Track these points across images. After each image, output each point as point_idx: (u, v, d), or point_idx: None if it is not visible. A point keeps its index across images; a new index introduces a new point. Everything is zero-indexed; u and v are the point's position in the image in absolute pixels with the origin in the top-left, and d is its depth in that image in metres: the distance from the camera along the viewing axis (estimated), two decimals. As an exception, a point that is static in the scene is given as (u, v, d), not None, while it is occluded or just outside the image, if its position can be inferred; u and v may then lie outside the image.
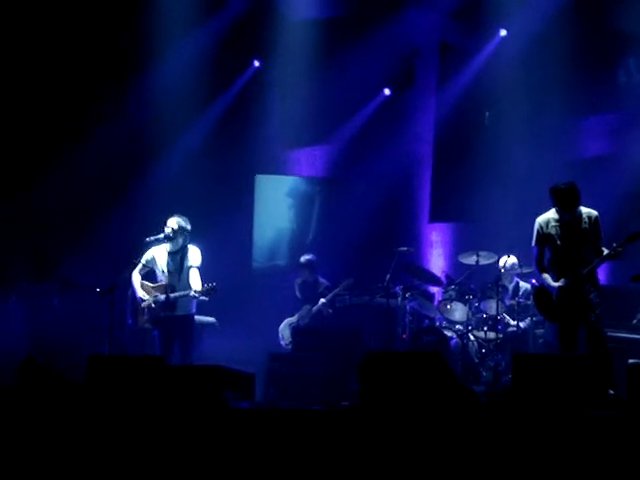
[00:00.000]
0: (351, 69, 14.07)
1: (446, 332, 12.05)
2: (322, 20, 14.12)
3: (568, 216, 9.16)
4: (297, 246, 14.36)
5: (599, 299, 9.10)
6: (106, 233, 12.89)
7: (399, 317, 12.45)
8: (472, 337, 12.05)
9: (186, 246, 10.51)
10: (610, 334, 10.29)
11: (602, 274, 10.52)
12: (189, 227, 10.52)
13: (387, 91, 14.62)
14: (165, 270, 10.50)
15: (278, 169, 14.80)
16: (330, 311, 12.53)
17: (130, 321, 10.70)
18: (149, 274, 10.64)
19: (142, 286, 10.57)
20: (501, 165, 13.76)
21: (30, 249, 12.97)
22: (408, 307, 12.44)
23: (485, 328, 11.94)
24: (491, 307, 11.96)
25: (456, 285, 12.41)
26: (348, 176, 14.54)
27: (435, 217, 14.71)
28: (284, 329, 12.59)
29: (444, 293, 12.69)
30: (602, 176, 12.61)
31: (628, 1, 13.04)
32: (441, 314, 12.48)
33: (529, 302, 11.72)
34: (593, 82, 13.33)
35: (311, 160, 14.89)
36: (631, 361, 8.07)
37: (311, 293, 12.67)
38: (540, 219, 9.33)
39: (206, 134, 14.12)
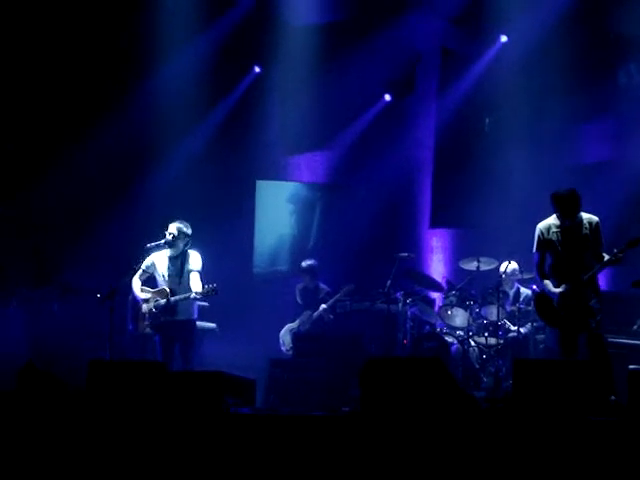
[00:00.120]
0: (352, 75, 14.07)
1: (447, 338, 12.05)
2: (323, 26, 14.13)
3: (569, 222, 9.16)
4: (298, 252, 14.36)
5: (600, 305, 9.10)
6: (107, 237, 12.89)
7: (400, 323, 12.45)
8: (473, 343, 12.04)
9: (186, 251, 10.51)
10: (611, 340, 10.30)
11: (603, 280, 10.52)
12: (190, 232, 10.53)
13: (388, 97, 14.63)
14: (165, 275, 10.50)
15: (279, 175, 14.80)
16: (331, 317, 12.53)
17: (131, 327, 10.71)
18: (149, 280, 10.64)
19: (142, 291, 10.56)
20: (501, 171, 13.77)
21: (30, 252, 12.97)
22: (409, 313, 12.45)
23: (486, 334, 11.94)
24: (492, 313, 11.96)
25: (457, 291, 12.41)
26: (349, 182, 14.55)
27: (436, 223, 14.71)
28: (285, 335, 12.59)
29: (445, 299, 12.69)
30: (602, 182, 12.62)
31: (628, 5, 13.05)
32: (442, 320, 12.48)
33: (530, 308, 11.72)
34: (593, 88, 13.34)
35: (312, 166, 14.89)
36: (632, 367, 8.08)
37: (312, 299, 12.67)
38: (541, 225, 9.33)
39: (207, 139, 14.13)
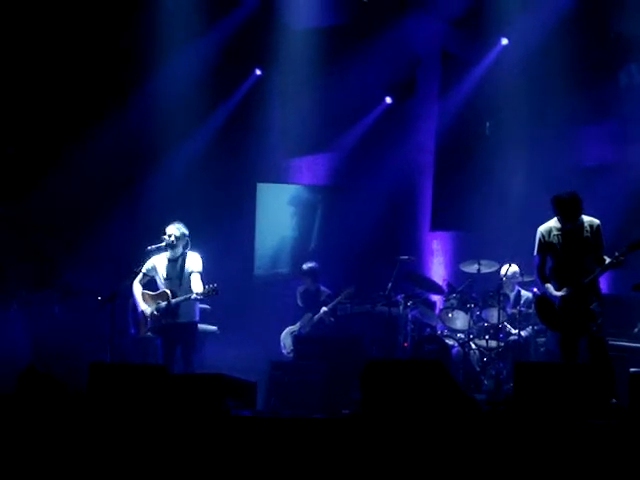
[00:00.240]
0: (352, 77, 14.08)
1: (447, 340, 12.05)
2: (323, 29, 14.13)
3: (570, 225, 9.16)
4: (299, 254, 14.37)
5: (601, 308, 9.10)
6: (107, 240, 12.88)
7: (400, 325, 12.45)
8: (473, 345, 12.04)
9: (186, 253, 10.51)
10: (611, 343, 10.27)
11: (604, 283, 10.52)
12: (187, 232, 10.54)
13: (388, 99, 14.63)
14: (166, 277, 10.51)
15: (280, 177, 14.81)
16: (332, 319, 12.53)
17: (133, 331, 10.70)
18: (150, 283, 10.64)
19: (143, 296, 10.56)
20: (502, 174, 13.78)
21: (31, 254, 12.97)
22: (410, 315, 12.45)
23: (486, 337, 11.94)
24: (492, 316, 11.96)
25: (457, 293, 12.41)
26: (350, 184, 14.55)
27: (436, 225, 14.71)
28: (286, 337, 12.60)
29: (445, 301, 12.69)
30: (603, 184, 12.62)
31: (628, 5, 13.06)
32: (442, 322, 12.48)
33: (530, 311, 11.72)
34: (594, 90, 13.35)
35: (313, 168, 14.90)
36: (632, 370, 8.07)
37: (313, 301, 12.67)
38: (542, 228, 9.33)
39: (208, 141, 14.13)
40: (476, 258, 12.39)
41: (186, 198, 13.30)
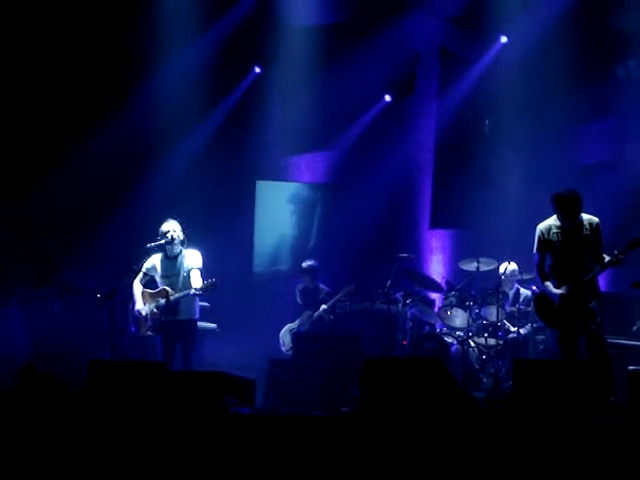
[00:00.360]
0: (352, 75, 14.07)
1: (446, 338, 12.06)
2: (323, 26, 14.13)
3: (570, 223, 9.15)
4: (299, 252, 14.37)
5: (600, 307, 9.10)
6: (107, 237, 12.88)
7: (400, 323, 12.45)
8: (472, 343, 12.05)
9: (184, 249, 10.52)
10: (610, 341, 10.29)
11: (603, 281, 10.52)
12: (180, 228, 10.56)
13: (388, 97, 14.63)
14: (165, 275, 10.51)
15: (279, 175, 14.80)
16: (331, 317, 12.53)
17: (133, 329, 10.70)
18: (150, 282, 10.64)
19: (143, 294, 10.56)
20: (501, 172, 13.78)
21: (30, 252, 12.97)
22: (409, 313, 12.45)
23: (485, 334, 11.95)
24: (491, 313, 11.97)
25: (456, 291, 12.42)
26: (349, 182, 14.54)
27: (436, 223, 14.71)
28: (285, 335, 12.60)
29: (444, 299, 12.69)
30: (603, 182, 12.64)
31: (628, 2, 13.06)
32: (441, 320, 12.49)
33: (529, 309, 11.74)
34: (593, 88, 13.36)
35: (312, 166, 14.89)
36: (631, 368, 8.08)
37: (312, 299, 12.68)
38: (541, 226, 9.33)
39: (207, 139, 14.13)
40: (475, 256, 12.40)
41: (185, 196, 13.30)
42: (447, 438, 6.70)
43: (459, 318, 12.33)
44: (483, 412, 7.46)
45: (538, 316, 9.62)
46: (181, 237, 10.50)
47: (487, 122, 14.32)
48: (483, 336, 11.96)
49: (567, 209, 9.10)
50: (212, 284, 10.13)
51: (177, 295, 10.32)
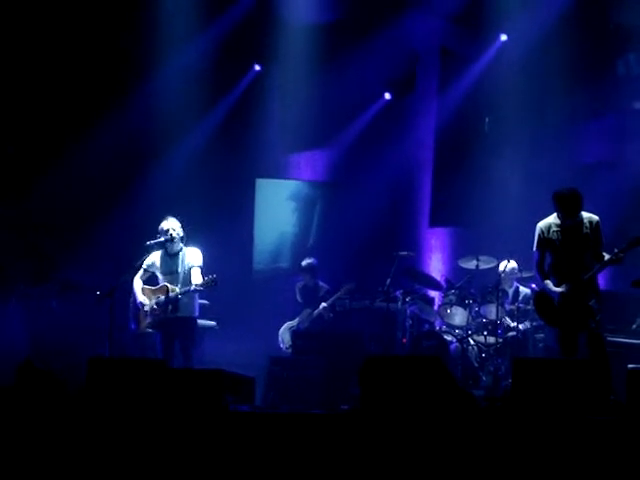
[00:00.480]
0: (352, 73, 14.08)
1: (446, 336, 12.06)
2: (323, 25, 14.13)
3: (570, 221, 9.15)
4: (300, 249, 14.39)
5: (599, 305, 9.10)
6: (107, 235, 12.88)
7: (399, 321, 12.47)
8: (472, 341, 12.05)
9: (184, 247, 10.52)
10: (610, 339, 10.29)
11: (602, 279, 10.53)
12: (180, 224, 10.55)
13: (387, 95, 14.63)
14: (165, 272, 10.51)
15: (279, 173, 14.81)
16: (331, 315, 12.54)
17: (133, 326, 10.70)
18: (151, 279, 10.65)
19: (143, 291, 10.57)
20: (501, 170, 13.78)
21: (30, 250, 12.97)
22: (408, 311, 12.46)
23: (485, 332, 11.95)
24: (491, 312, 11.97)
25: (456, 289, 12.42)
26: (348, 180, 14.55)
27: (435, 221, 14.72)
28: (284, 333, 12.60)
29: (444, 297, 12.69)
30: (603, 181, 12.63)
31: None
32: (441, 318, 12.50)
33: (529, 307, 11.74)
34: (593, 86, 13.36)
35: (311, 164, 14.90)
36: (630, 366, 8.08)
37: (312, 297, 12.68)
38: (541, 224, 9.32)
39: (207, 138, 14.13)
40: (475, 254, 12.41)
41: (185, 194, 13.30)
42: (446, 436, 6.70)
43: (459, 316, 12.34)
44: (482, 410, 7.47)
45: (538, 314, 9.62)
46: (181, 234, 10.50)
47: (487, 120, 14.33)
48: (482, 334, 11.97)
49: (567, 207, 9.10)
50: (213, 280, 10.13)
51: (177, 291, 10.32)
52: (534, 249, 9.38)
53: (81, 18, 13.28)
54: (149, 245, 10.47)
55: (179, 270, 10.46)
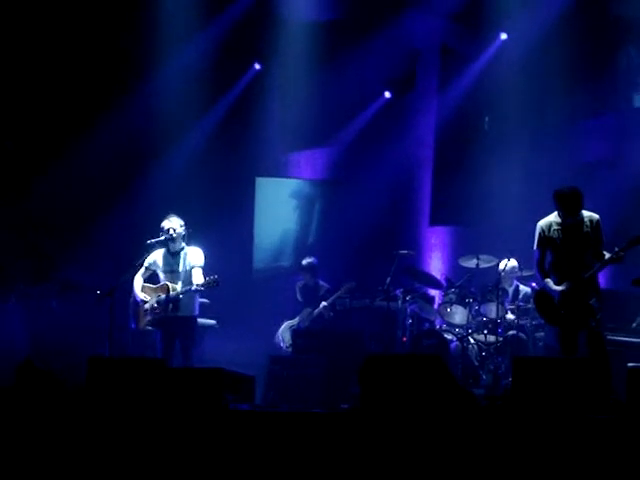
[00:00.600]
0: (352, 72, 14.08)
1: (446, 335, 12.06)
2: (323, 23, 14.14)
3: (570, 220, 9.15)
4: (299, 248, 14.40)
5: (599, 304, 9.09)
6: (107, 234, 12.89)
7: (399, 320, 12.46)
8: (472, 340, 12.05)
9: (186, 246, 10.52)
10: (610, 337, 10.29)
11: (602, 278, 10.52)
12: (183, 222, 10.54)
13: (388, 94, 14.63)
14: (166, 271, 10.51)
15: (278, 171, 14.81)
16: (331, 314, 12.54)
17: (133, 325, 10.70)
18: (152, 277, 10.64)
19: (143, 289, 10.57)
20: (501, 168, 13.77)
21: (30, 250, 12.97)
22: (408, 310, 12.46)
23: (485, 331, 11.95)
24: (491, 310, 11.97)
25: (456, 288, 12.42)
26: (349, 179, 14.55)
27: (435, 220, 14.72)
28: (284, 332, 12.60)
29: (444, 296, 12.69)
30: (603, 179, 12.63)
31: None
32: (441, 317, 12.49)
33: (529, 305, 11.74)
34: (593, 85, 13.35)
35: (311, 163, 14.91)
36: (630, 365, 8.08)
37: (312, 296, 12.68)
38: (542, 222, 9.32)
39: (207, 136, 14.13)
40: (475, 253, 12.41)
41: (185, 193, 13.30)
42: (446, 435, 6.70)
43: (459, 315, 12.34)
44: (482, 409, 7.46)
45: (538, 313, 9.61)
46: (182, 233, 10.49)
47: (487, 119, 14.33)
48: (483, 333, 11.96)
49: (568, 206, 9.09)
50: (214, 280, 10.13)
51: (178, 291, 10.32)
52: (534, 248, 9.37)
53: (81, 17, 13.29)
54: (149, 244, 10.47)
55: (180, 269, 10.47)
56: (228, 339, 12.23)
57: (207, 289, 10.32)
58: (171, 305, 10.34)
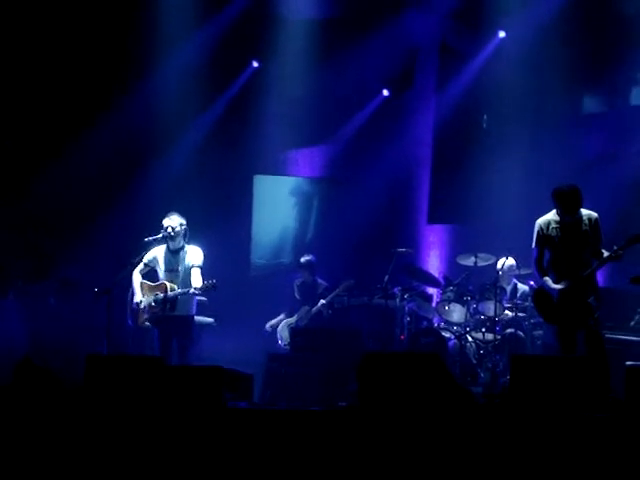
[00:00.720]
0: (350, 70, 14.07)
1: (444, 333, 12.06)
2: (321, 21, 14.13)
3: (569, 218, 9.15)
4: (297, 246, 14.39)
5: (598, 302, 9.09)
6: (106, 232, 12.87)
7: (397, 318, 12.46)
8: (470, 338, 12.06)
9: (186, 244, 10.50)
10: (608, 336, 10.27)
11: (601, 276, 10.53)
12: (185, 221, 10.52)
13: (386, 92, 14.62)
14: (166, 269, 10.50)
15: (277, 169, 14.81)
16: (329, 312, 12.53)
17: (130, 322, 10.69)
18: (150, 273, 10.63)
19: (142, 285, 10.56)
20: (499, 167, 13.76)
21: (29, 249, 12.96)
22: (406, 308, 12.46)
23: (483, 329, 11.95)
24: (489, 308, 11.96)
25: (454, 286, 12.42)
26: (347, 177, 14.55)
27: (434, 218, 14.72)
28: (283, 330, 12.59)
29: (442, 294, 12.69)
30: (602, 177, 12.63)
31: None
32: (439, 315, 12.49)
33: (527, 303, 11.76)
34: (593, 82, 13.35)
35: (309, 161, 14.90)
36: (629, 363, 8.08)
37: (310, 294, 12.67)
38: (540, 221, 9.32)
39: (205, 134, 14.12)
40: (473, 251, 12.40)
41: (184, 190, 13.29)
42: (444, 433, 6.70)
43: (457, 313, 12.34)
44: (480, 407, 7.46)
45: (537, 311, 9.62)
46: (182, 232, 10.47)
47: (485, 117, 14.33)
48: (481, 331, 11.97)
49: (567, 204, 9.09)
50: (212, 285, 10.11)
51: (175, 292, 10.31)
52: (533, 246, 9.37)
53: (79, 16, 13.26)
54: (148, 241, 10.46)
55: (180, 268, 10.45)
56: (226, 337, 12.23)
57: (204, 293, 10.32)
58: (168, 305, 10.33)
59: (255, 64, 14.45)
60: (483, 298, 12.17)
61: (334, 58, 13.96)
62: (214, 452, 6.91)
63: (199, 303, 10.88)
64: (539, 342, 11.84)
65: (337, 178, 14.78)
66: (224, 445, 6.93)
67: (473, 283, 12.41)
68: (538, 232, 9.30)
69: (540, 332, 11.81)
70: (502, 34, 13.93)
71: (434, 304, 12.93)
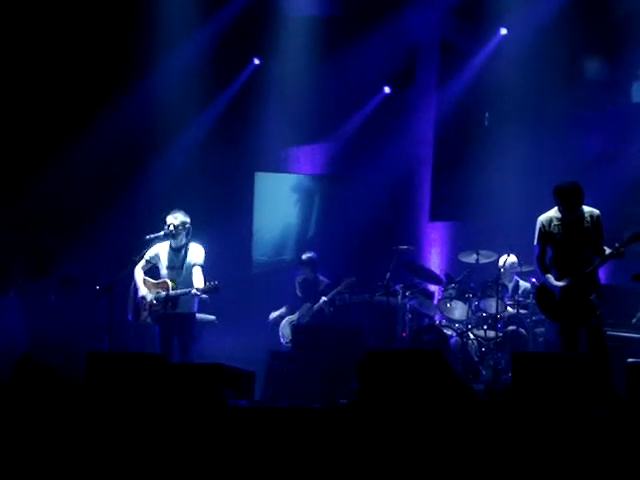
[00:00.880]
0: (351, 67, 14.06)
1: (446, 331, 12.06)
2: (322, 18, 14.12)
3: (571, 215, 9.13)
4: (300, 242, 14.40)
5: (600, 300, 9.08)
6: (107, 230, 12.87)
7: (399, 315, 12.46)
8: (472, 336, 12.05)
9: (189, 242, 10.49)
10: (610, 333, 10.28)
11: (603, 273, 10.52)
12: (189, 220, 10.50)
13: (387, 89, 14.61)
14: (167, 266, 10.48)
15: (278, 167, 14.80)
16: (331, 309, 12.53)
17: (130, 317, 10.67)
18: (152, 270, 10.62)
19: (144, 282, 10.55)
20: (501, 164, 13.75)
21: (29, 245, 12.96)
22: (408, 305, 12.45)
23: (485, 327, 11.95)
24: (491, 306, 11.96)
25: (456, 284, 12.42)
26: (348, 174, 14.54)
27: (435, 216, 14.71)
28: (284, 327, 12.59)
29: (444, 292, 12.69)
30: (603, 175, 12.62)
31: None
32: (441, 312, 12.49)
33: (528, 301, 11.75)
34: (594, 80, 13.34)
35: (311, 158, 14.89)
36: (630, 360, 8.07)
37: (312, 291, 12.67)
38: (542, 218, 9.30)
39: (206, 132, 14.12)
40: (474, 248, 12.40)
41: (185, 188, 13.29)
42: (446, 430, 6.70)
43: (458, 310, 12.33)
44: (482, 404, 7.45)
45: (539, 308, 9.62)
46: (184, 229, 10.45)
47: (487, 114, 14.31)
48: (482, 328, 11.96)
49: (569, 201, 9.08)
50: (214, 287, 10.09)
51: (177, 292, 10.29)
52: (535, 243, 9.36)
53: (79, 14, 13.25)
54: (149, 239, 10.44)
55: (182, 266, 10.42)
56: (227, 334, 12.23)
57: (206, 294, 10.31)
58: (170, 303, 10.31)
59: (256, 61, 14.45)
60: (485, 295, 12.17)
61: (335, 55, 13.96)
62: (215, 450, 6.90)
63: (200, 300, 10.85)
64: (541, 339, 11.83)
65: (338, 175, 14.77)
66: (225, 443, 6.92)
67: (475, 280, 12.41)
68: (540, 229, 9.28)
69: (542, 329, 11.80)
70: (504, 31, 13.92)
71: (436, 301, 12.93)
